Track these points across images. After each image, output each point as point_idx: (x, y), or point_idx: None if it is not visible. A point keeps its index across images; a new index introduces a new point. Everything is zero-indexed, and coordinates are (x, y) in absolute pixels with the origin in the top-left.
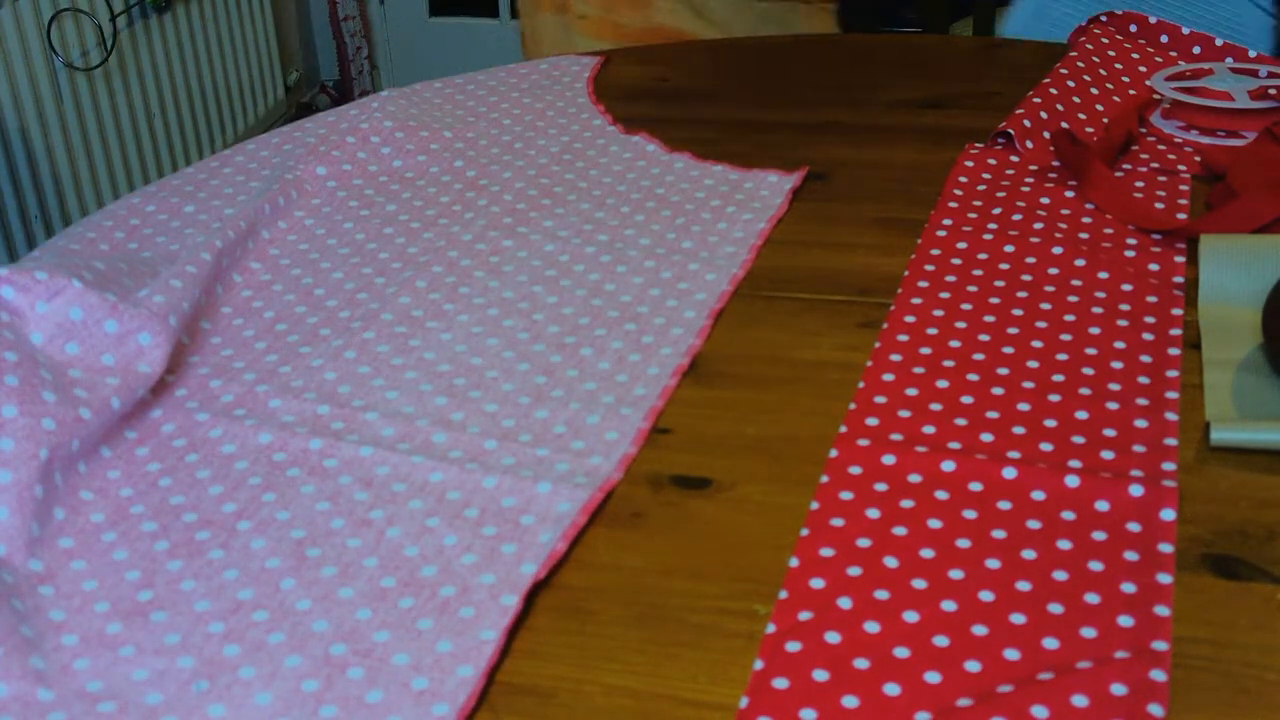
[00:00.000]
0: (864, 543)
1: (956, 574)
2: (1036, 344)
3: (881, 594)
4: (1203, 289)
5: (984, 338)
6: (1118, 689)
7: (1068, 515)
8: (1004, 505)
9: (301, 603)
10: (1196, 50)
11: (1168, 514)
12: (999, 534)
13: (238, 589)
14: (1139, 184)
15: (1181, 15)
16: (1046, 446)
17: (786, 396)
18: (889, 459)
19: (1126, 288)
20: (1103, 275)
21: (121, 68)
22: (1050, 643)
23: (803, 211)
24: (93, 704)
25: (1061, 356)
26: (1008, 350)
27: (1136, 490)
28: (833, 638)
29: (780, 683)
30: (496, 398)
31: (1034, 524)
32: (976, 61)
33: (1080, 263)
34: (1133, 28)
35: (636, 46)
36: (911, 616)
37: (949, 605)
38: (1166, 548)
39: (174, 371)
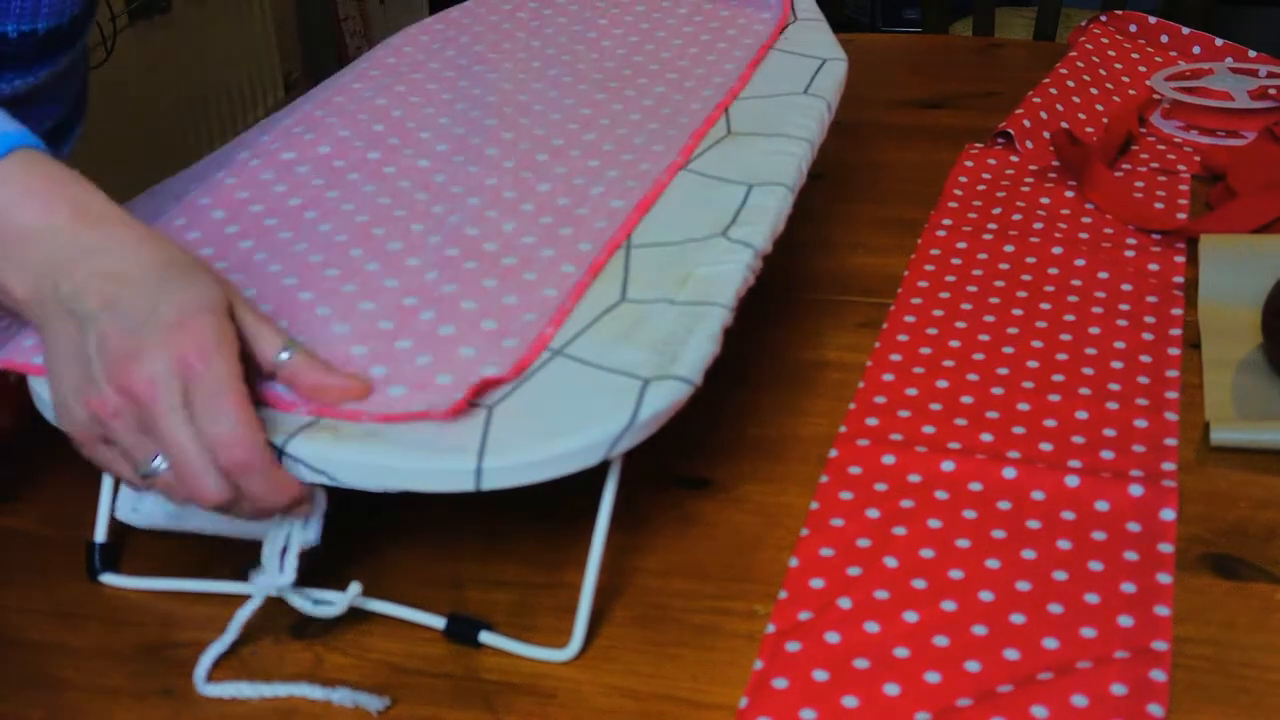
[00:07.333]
0: (864, 543)
1: (956, 574)
2: (1036, 344)
3: (881, 594)
4: (1203, 289)
5: (984, 338)
6: (1118, 689)
7: (1068, 515)
8: (1004, 505)
9: (370, 264)
10: (1196, 50)
11: (1168, 514)
12: (999, 534)
13: (307, 255)
14: (1139, 184)
15: None
16: (1046, 446)
17: (786, 396)
18: (889, 459)
19: (1126, 288)
20: (1103, 275)
21: (121, 68)
22: (1050, 643)
23: (803, 211)
24: None
25: (1061, 356)
26: (1008, 350)
27: (1136, 490)
28: (833, 638)
29: (780, 683)
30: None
31: (1034, 524)
32: (976, 61)
33: (1080, 263)
34: (1133, 28)
35: None
36: (911, 616)
37: (949, 605)
38: (1166, 548)
39: None
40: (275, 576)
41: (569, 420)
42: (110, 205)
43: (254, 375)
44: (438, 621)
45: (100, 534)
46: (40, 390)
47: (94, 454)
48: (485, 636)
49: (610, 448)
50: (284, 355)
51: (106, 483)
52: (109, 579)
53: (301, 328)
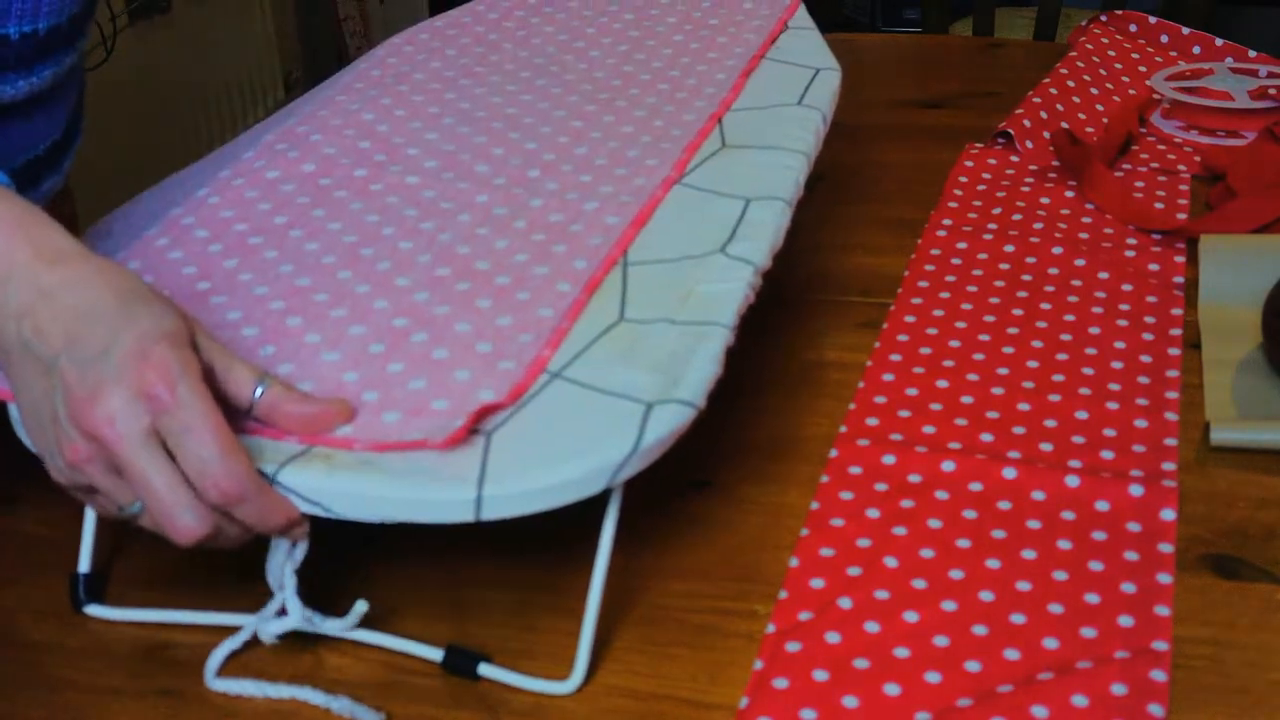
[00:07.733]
0: (864, 543)
1: (956, 574)
2: (1036, 344)
3: (881, 594)
4: (1203, 289)
5: (984, 338)
6: (1118, 689)
7: (1068, 515)
8: (1004, 505)
9: (360, 287)
10: (1196, 50)
11: (1168, 514)
12: (999, 534)
13: (295, 277)
14: (1139, 184)
15: None
16: (1046, 446)
17: (786, 396)
18: (889, 459)
19: (1126, 288)
20: (1103, 275)
21: (121, 68)
22: (1050, 643)
23: (803, 212)
24: None
25: (1061, 356)
26: (1008, 350)
27: (1136, 490)
28: (833, 638)
29: (780, 683)
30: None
31: (1034, 524)
32: (976, 61)
33: (1080, 263)
34: (1133, 28)
35: None
36: (911, 616)
37: (949, 605)
38: (1166, 548)
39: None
40: (282, 621)
41: (570, 446)
42: (70, 241)
43: (232, 415)
44: (435, 654)
45: (84, 564)
46: (18, 414)
47: (89, 502)
48: (484, 669)
49: (613, 475)
50: (259, 390)
51: (90, 510)
52: (94, 610)
53: (289, 354)
